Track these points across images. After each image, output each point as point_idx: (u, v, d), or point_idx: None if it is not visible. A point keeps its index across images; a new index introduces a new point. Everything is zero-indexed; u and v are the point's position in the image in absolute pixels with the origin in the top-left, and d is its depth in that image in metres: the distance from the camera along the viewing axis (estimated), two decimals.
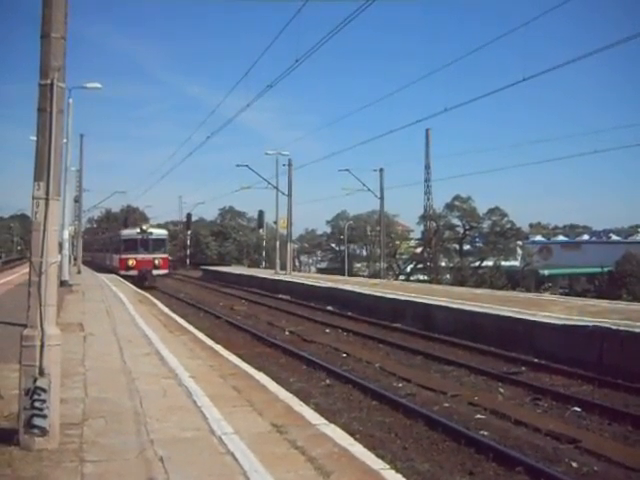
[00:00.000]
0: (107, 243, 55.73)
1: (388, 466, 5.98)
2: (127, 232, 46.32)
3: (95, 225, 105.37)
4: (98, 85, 33.36)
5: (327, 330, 20.80)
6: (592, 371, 13.02)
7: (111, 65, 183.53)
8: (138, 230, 44.84)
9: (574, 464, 8.02)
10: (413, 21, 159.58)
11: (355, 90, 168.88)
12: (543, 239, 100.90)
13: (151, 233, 44.72)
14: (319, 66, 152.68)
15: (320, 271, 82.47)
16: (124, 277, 39.89)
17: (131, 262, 42.82)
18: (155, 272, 42.45)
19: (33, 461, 5.74)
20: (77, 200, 47.79)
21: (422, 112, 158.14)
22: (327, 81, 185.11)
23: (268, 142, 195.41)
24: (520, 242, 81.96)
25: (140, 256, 43.18)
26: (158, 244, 44.70)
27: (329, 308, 27.30)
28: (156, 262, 43.14)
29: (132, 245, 43.80)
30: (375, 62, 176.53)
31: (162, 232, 47.88)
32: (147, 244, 43.93)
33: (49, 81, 6.28)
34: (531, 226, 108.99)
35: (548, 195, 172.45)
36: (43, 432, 6.02)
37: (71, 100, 31.61)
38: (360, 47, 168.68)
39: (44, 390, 6.01)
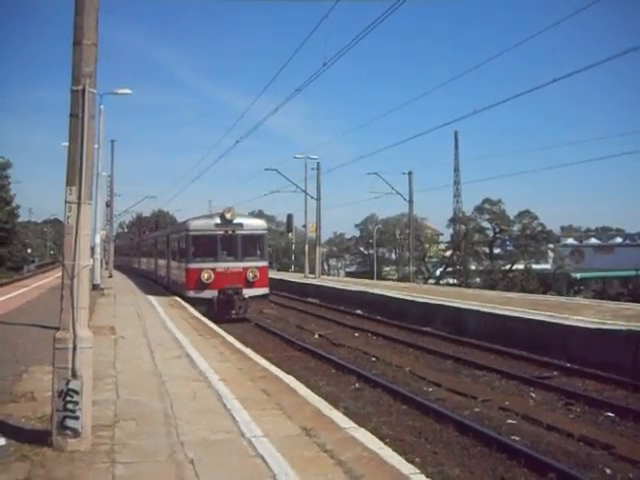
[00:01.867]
0: (161, 243, 35.29)
1: (418, 471, 5.90)
2: (199, 223, 26.45)
3: (126, 230, 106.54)
4: (128, 91, 33.75)
5: (356, 334, 20.75)
6: (626, 376, 12.77)
7: (141, 71, 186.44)
8: (218, 220, 25.61)
9: (608, 470, 7.88)
10: (440, 25, 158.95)
11: (383, 93, 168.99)
12: (575, 242, 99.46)
13: (240, 225, 25.73)
14: (347, 70, 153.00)
15: (349, 275, 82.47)
16: (192, 301, 24.19)
17: (206, 275, 24.67)
18: (247, 292, 24.91)
19: (66, 462, 5.82)
20: (108, 205, 48.14)
21: (451, 115, 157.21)
22: (355, 85, 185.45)
23: (296, 146, 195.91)
24: (551, 245, 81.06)
25: (222, 265, 25.11)
26: (252, 243, 26.25)
27: (358, 312, 27.23)
28: (249, 275, 25.10)
29: (208, 246, 25.47)
30: (403, 65, 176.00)
31: (259, 223, 27.72)
32: (234, 244, 25.52)
33: (81, 87, 6.37)
34: (562, 229, 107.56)
35: (580, 198, 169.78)
36: (75, 433, 6.10)
37: (102, 106, 32.11)
38: (388, 51, 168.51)
39: (76, 392, 6.09)
